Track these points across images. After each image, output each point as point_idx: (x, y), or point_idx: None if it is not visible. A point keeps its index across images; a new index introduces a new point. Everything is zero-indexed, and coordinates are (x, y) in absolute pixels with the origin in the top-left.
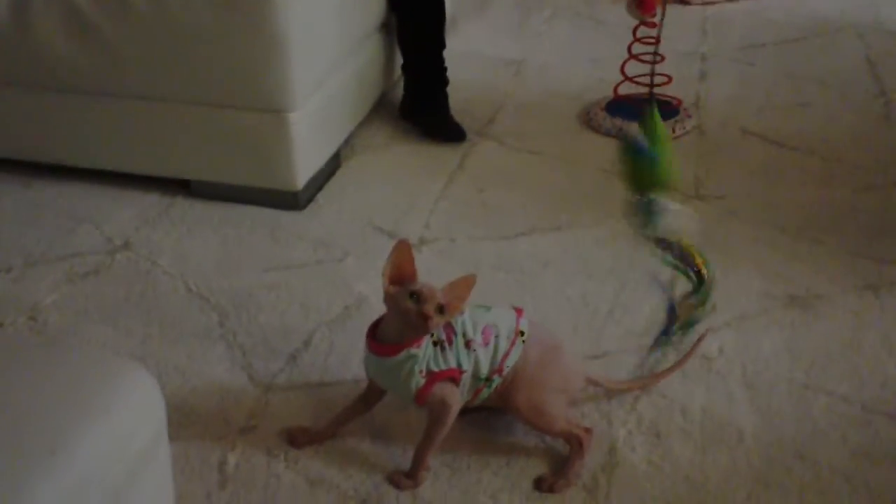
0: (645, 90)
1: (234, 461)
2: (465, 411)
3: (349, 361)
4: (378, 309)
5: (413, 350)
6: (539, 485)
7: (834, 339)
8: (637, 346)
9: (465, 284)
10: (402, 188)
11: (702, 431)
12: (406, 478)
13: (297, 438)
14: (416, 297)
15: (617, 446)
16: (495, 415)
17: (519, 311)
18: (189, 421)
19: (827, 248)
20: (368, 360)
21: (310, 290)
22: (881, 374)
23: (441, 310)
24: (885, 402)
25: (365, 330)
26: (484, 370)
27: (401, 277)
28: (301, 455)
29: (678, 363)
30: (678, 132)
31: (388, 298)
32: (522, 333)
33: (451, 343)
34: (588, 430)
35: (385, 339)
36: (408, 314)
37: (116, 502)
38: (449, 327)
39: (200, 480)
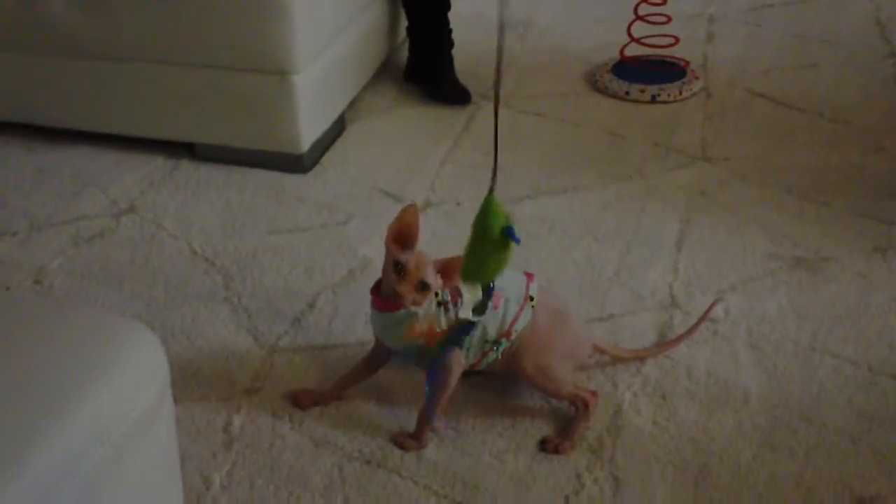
0: (651, 52)
1: (240, 422)
2: (471, 373)
3: (353, 324)
4: None
5: (414, 308)
6: (544, 446)
7: (841, 301)
8: (642, 308)
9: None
10: (407, 151)
11: (707, 393)
12: (410, 439)
13: (302, 400)
14: (400, 269)
15: (622, 408)
16: (500, 377)
17: (529, 276)
18: (194, 383)
19: (834, 210)
20: (372, 314)
21: (314, 252)
22: (888, 336)
23: (424, 286)
24: (891, 365)
25: (368, 292)
26: (492, 333)
27: (404, 240)
28: (306, 417)
29: (687, 332)
30: (685, 94)
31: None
32: (532, 298)
33: (455, 304)
34: (594, 394)
35: (386, 294)
36: (388, 283)
37: (120, 461)
38: (456, 289)
39: (206, 441)
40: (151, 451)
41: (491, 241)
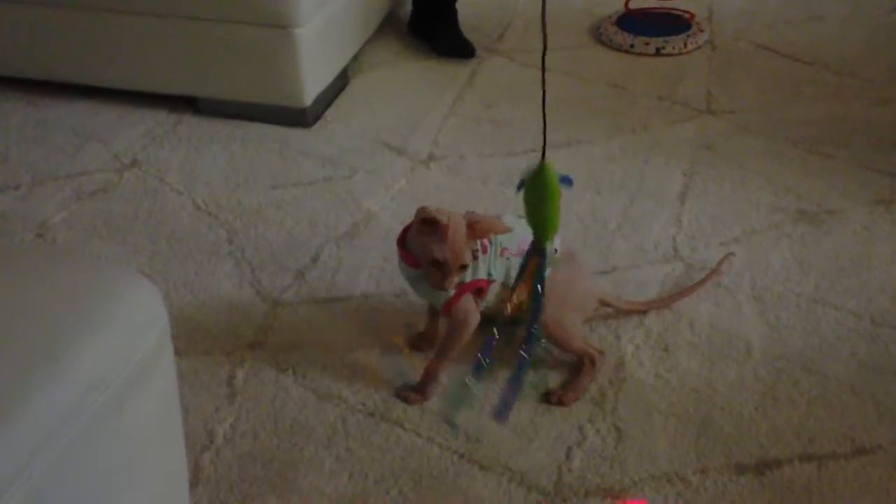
0: (656, 4)
1: (243, 376)
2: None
3: (357, 277)
4: (386, 225)
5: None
6: (548, 397)
7: (844, 253)
8: (646, 261)
9: (497, 228)
10: (410, 105)
11: (710, 345)
12: (414, 392)
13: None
14: (439, 265)
15: (625, 360)
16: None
17: None
18: (198, 336)
19: (839, 163)
20: (401, 265)
21: (318, 206)
22: (891, 288)
23: (463, 268)
24: (894, 316)
25: (372, 246)
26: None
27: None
28: (309, 369)
29: (695, 285)
30: (690, 47)
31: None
32: (556, 251)
33: (485, 252)
34: (602, 353)
35: (412, 250)
36: (427, 275)
37: (120, 410)
38: (482, 243)
39: (209, 394)
40: (151, 401)
41: (554, 199)
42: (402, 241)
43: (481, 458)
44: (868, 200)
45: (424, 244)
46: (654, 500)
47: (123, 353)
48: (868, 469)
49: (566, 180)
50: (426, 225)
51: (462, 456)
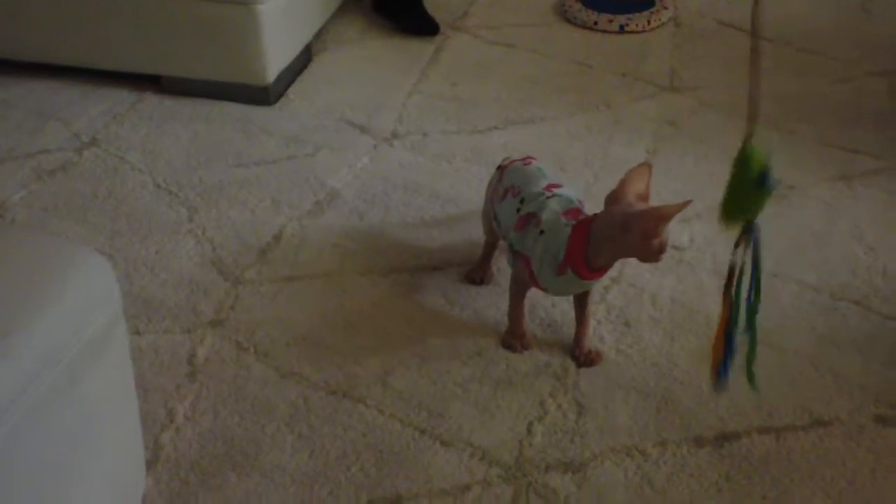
0: None
1: (204, 354)
2: None
3: (320, 256)
4: (349, 203)
5: None
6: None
7: (805, 228)
8: None
9: (644, 176)
10: (374, 82)
11: (671, 320)
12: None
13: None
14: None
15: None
16: (464, 308)
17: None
18: (158, 315)
19: (801, 139)
20: (550, 277)
21: (281, 185)
22: (850, 262)
23: None
24: (853, 290)
25: (335, 224)
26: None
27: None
28: (271, 348)
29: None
30: (653, 23)
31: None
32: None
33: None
34: None
35: (597, 260)
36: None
37: (73, 385)
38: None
39: (169, 373)
40: (104, 377)
41: (748, 183)
42: (581, 255)
43: (443, 434)
44: (829, 176)
45: (649, 233)
46: (614, 472)
47: (76, 328)
48: (825, 441)
49: (767, 180)
50: (648, 221)
51: (423, 432)
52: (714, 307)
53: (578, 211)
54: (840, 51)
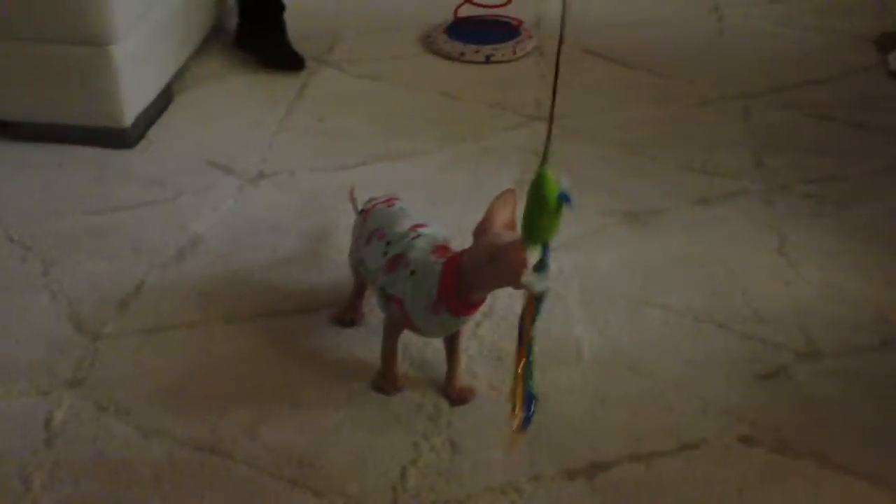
0: (485, 12)
1: (61, 417)
2: None
3: (184, 304)
4: (214, 248)
5: None
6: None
7: (668, 253)
8: None
9: (509, 204)
10: (238, 121)
11: (541, 351)
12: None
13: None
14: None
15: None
16: (340, 346)
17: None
18: (11, 377)
19: (662, 164)
20: (425, 315)
21: (141, 232)
22: (711, 285)
23: None
24: (714, 312)
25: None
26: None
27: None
28: (133, 406)
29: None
30: (519, 53)
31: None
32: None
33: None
34: None
35: (471, 294)
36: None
37: None
38: None
39: (25, 439)
40: None
41: (547, 207)
42: (453, 292)
43: (314, 485)
44: (689, 200)
45: (519, 263)
46: None
47: None
48: (693, 464)
49: (565, 198)
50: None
51: (295, 484)
52: (583, 336)
53: (446, 248)
54: (696, 75)
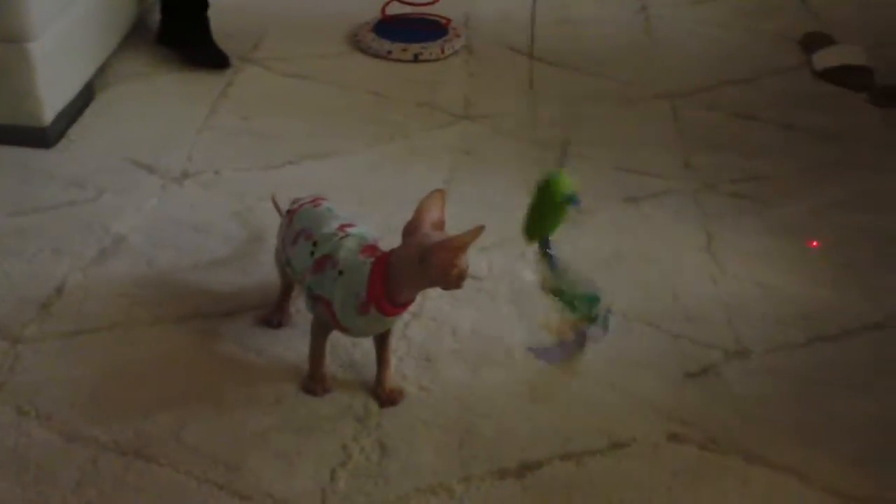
0: (413, 10)
1: None
2: None
3: (107, 306)
4: (137, 248)
5: None
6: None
7: (598, 251)
8: None
9: (438, 203)
10: (162, 119)
11: (472, 351)
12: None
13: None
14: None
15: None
16: (267, 348)
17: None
18: None
19: (592, 163)
20: (350, 315)
21: (62, 233)
22: (641, 283)
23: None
24: (644, 310)
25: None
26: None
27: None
28: (55, 411)
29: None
30: (447, 52)
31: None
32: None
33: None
34: None
35: (400, 294)
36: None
37: None
38: None
39: None
40: None
41: (553, 204)
42: (382, 291)
43: (242, 489)
44: (618, 198)
45: (447, 263)
46: None
47: None
48: (623, 462)
49: (574, 200)
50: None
51: (221, 488)
52: (514, 336)
53: (375, 247)
54: (624, 74)
